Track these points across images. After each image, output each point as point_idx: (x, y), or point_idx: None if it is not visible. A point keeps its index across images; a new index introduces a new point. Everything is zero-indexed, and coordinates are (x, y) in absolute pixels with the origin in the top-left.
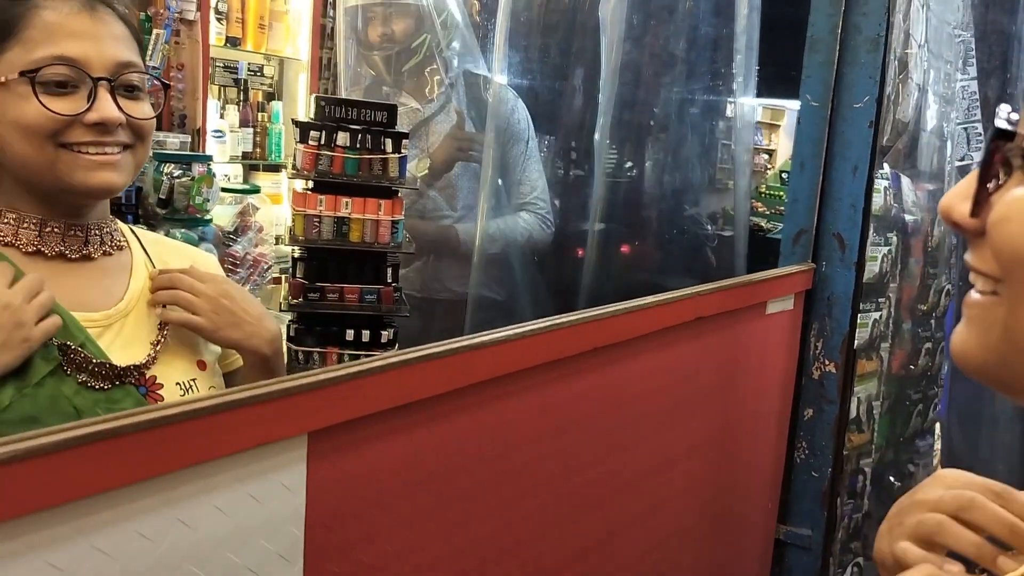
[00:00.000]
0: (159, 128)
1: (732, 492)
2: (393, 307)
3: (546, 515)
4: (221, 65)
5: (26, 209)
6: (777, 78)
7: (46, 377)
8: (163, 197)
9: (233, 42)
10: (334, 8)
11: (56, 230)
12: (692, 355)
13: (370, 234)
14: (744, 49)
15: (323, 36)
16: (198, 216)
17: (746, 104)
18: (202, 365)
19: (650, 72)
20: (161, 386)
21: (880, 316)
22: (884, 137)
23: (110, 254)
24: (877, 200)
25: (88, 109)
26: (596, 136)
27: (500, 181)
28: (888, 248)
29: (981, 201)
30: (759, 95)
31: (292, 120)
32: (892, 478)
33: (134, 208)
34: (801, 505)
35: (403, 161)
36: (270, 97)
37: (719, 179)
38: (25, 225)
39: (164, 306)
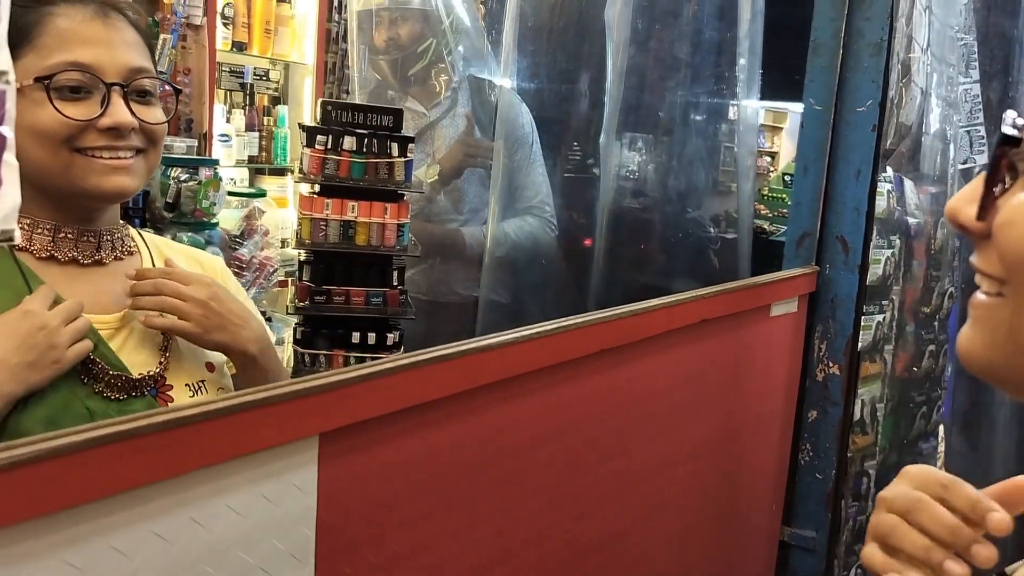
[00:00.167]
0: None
1: (736, 494)
2: (399, 310)
3: (552, 515)
4: (227, 69)
5: (39, 215)
6: (780, 81)
7: (62, 382)
8: (170, 201)
9: (239, 47)
10: (339, 12)
11: (69, 235)
12: (697, 357)
13: (376, 237)
14: (748, 53)
15: (328, 40)
16: (205, 220)
17: (749, 107)
18: (210, 367)
19: (655, 75)
20: (171, 387)
21: (883, 318)
22: (887, 140)
23: (121, 258)
24: (880, 203)
25: (102, 114)
26: (602, 139)
27: (508, 185)
28: (891, 251)
29: (987, 205)
30: (762, 98)
31: (299, 124)
32: None
33: (141, 212)
34: (805, 507)
35: (409, 165)
36: (276, 101)
37: (722, 182)
38: (39, 230)
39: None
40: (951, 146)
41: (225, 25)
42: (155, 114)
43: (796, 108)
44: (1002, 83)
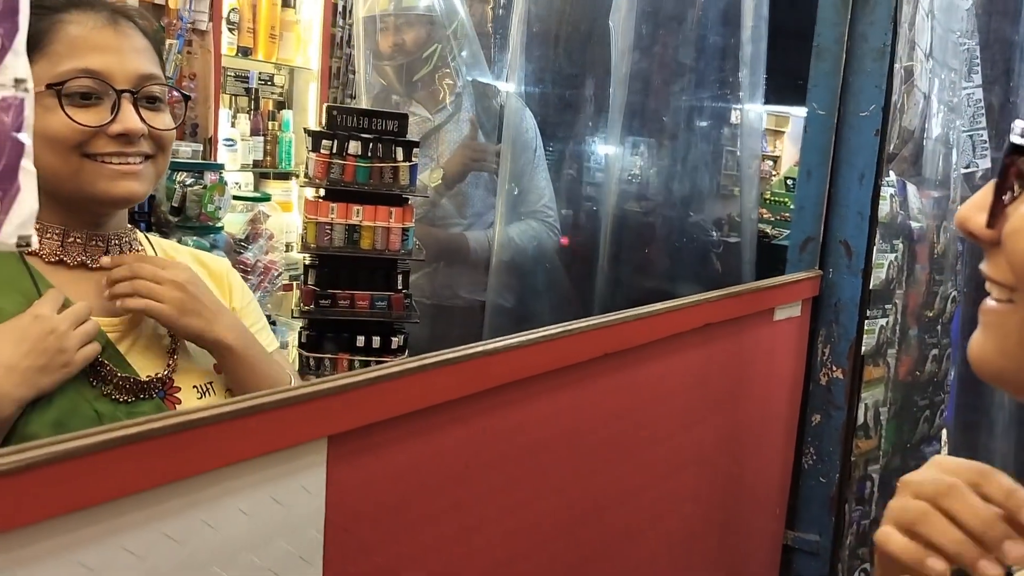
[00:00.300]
0: None
1: (740, 497)
2: (403, 314)
3: (558, 518)
4: (232, 74)
5: (49, 219)
6: (782, 85)
7: (70, 385)
8: (176, 205)
9: (244, 52)
10: (344, 18)
11: (78, 240)
12: (701, 361)
13: (381, 241)
14: (751, 58)
15: (333, 45)
16: (210, 224)
17: (753, 111)
18: (218, 368)
19: (659, 80)
20: (178, 389)
21: (887, 322)
22: (890, 145)
23: None
24: (883, 207)
25: (112, 121)
26: (606, 144)
27: (510, 190)
28: (894, 255)
29: (997, 213)
30: (765, 102)
31: (304, 129)
32: None
33: (147, 216)
34: (809, 511)
35: (414, 169)
36: (280, 106)
37: (725, 186)
38: (48, 235)
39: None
40: (954, 150)
41: (230, 30)
42: (164, 120)
43: (798, 112)
44: (1004, 87)
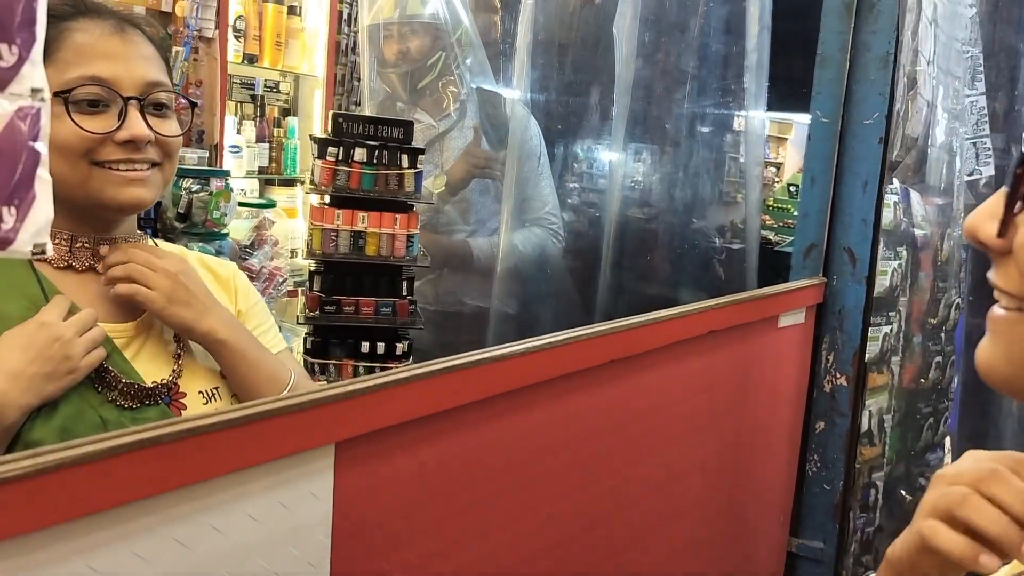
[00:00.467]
0: None
1: (745, 504)
2: (408, 320)
3: (563, 524)
4: (238, 81)
5: (58, 225)
6: (785, 92)
7: (75, 391)
8: (182, 211)
9: (250, 59)
10: (349, 25)
11: (86, 245)
12: (705, 368)
13: (386, 248)
14: (755, 65)
15: (338, 53)
16: (215, 230)
17: (756, 118)
18: (224, 373)
19: (663, 88)
20: (184, 395)
21: (891, 330)
22: (893, 152)
23: None
24: (887, 215)
25: (119, 128)
26: (610, 150)
27: (514, 197)
28: (898, 262)
29: (1007, 222)
30: (768, 109)
31: (310, 136)
32: (903, 492)
33: (153, 222)
34: (813, 518)
35: (419, 176)
36: (286, 113)
37: (727, 192)
38: (56, 241)
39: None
40: (957, 158)
41: (237, 38)
42: (171, 127)
43: (801, 119)
44: (1008, 95)
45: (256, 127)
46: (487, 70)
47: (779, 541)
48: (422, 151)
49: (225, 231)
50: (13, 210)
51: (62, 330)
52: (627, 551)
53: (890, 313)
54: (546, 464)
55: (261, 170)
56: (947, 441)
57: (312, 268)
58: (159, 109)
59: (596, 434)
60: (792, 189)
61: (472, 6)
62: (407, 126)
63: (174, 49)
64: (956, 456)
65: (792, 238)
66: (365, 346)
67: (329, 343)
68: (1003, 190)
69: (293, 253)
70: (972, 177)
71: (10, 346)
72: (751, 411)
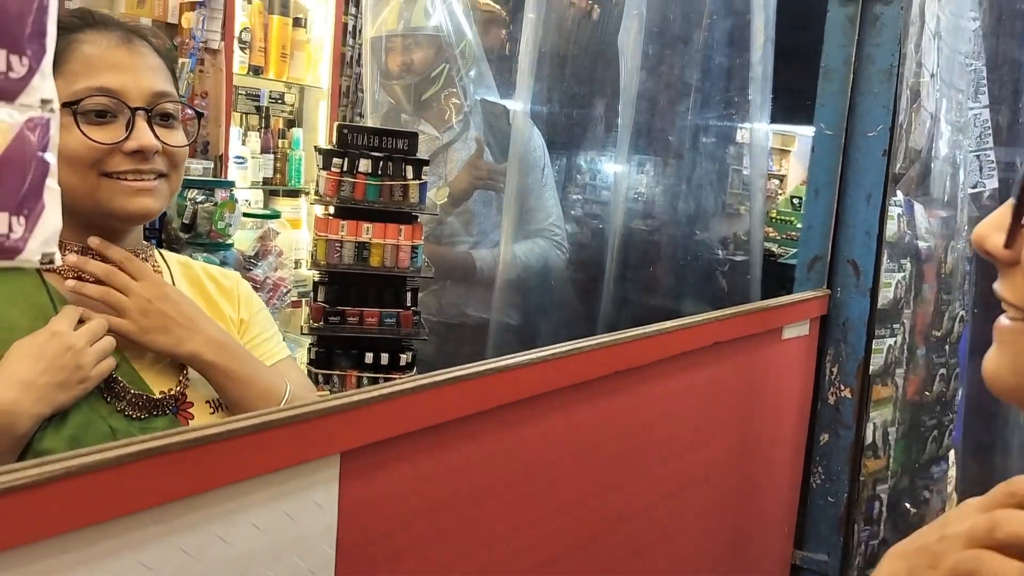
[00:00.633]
0: None
1: (749, 516)
2: (412, 331)
3: (568, 536)
4: (243, 93)
5: (67, 236)
6: (788, 104)
7: (84, 401)
8: (186, 222)
9: (256, 70)
10: (354, 37)
11: (95, 256)
12: (709, 379)
13: (390, 259)
14: (759, 77)
15: (343, 64)
16: (220, 241)
17: (760, 130)
18: None
19: (667, 100)
20: (191, 405)
21: (895, 342)
22: (897, 165)
23: None
24: (891, 227)
25: (127, 138)
26: (614, 162)
27: (517, 208)
28: (902, 274)
29: (1015, 234)
30: (772, 121)
31: (315, 147)
32: (908, 504)
33: (158, 232)
34: (817, 530)
35: (423, 187)
36: (290, 124)
37: (731, 204)
38: (65, 252)
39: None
40: (960, 170)
41: (242, 49)
42: (178, 137)
43: (804, 131)
44: (1012, 108)
45: (261, 138)
46: (490, 82)
47: (783, 553)
48: (427, 162)
49: (230, 242)
50: (22, 220)
51: (74, 339)
52: (631, 562)
53: (894, 325)
54: (550, 475)
55: (266, 181)
56: (951, 454)
57: (316, 279)
58: (166, 119)
59: (600, 446)
60: (795, 201)
61: (478, 19)
62: (412, 137)
63: (180, 60)
64: (960, 468)
65: (795, 250)
66: (369, 357)
67: (333, 354)
68: (1011, 201)
69: (297, 264)
70: (976, 190)
71: (22, 356)
72: (755, 423)
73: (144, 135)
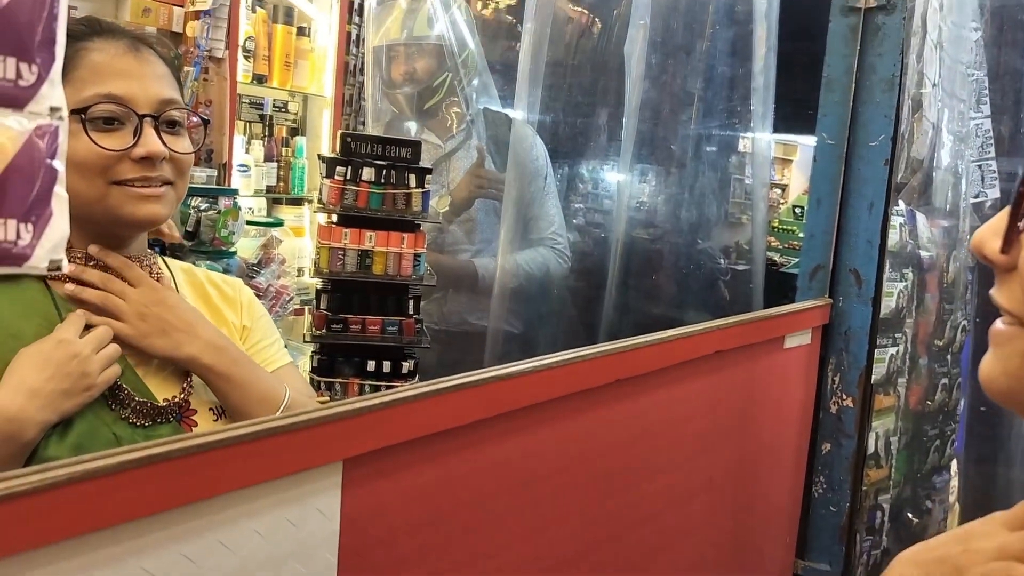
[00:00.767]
0: None
1: (751, 525)
2: (414, 339)
3: (569, 544)
4: (247, 101)
5: (73, 243)
6: (790, 114)
7: (89, 409)
8: (190, 230)
9: (259, 79)
10: (357, 46)
11: (96, 264)
12: (711, 388)
13: (393, 267)
14: (761, 87)
15: (347, 73)
16: (223, 248)
17: (763, 140)
18: None
19: (669, 109)
20: (195, 412)
21: (897, 351)
22: (899, 174)
23: None
24: (893, 236)
25: (135, 145)
26: (617, 171)
27: (519, 217)
28: (904, 284)
29: (1011, 239)
30: (774, 130)
31: (319, 155)
32: (910, 514)
33: (161, 240)
34: (819, 540)
35: (426, 196)
36: (294, 132)
37: (733, 213)
38: (71, 258)
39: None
40: (963, 180)
41: (246, 58)
42: (184, 144)
43: (806, 141)
44: (1013, 118)
45: (264, 146)
46: (492, 91)
47: (785, 563)
48: (429, 171)
49: (233, 249)
50: (30, 226)
51: (79, 347)
52: (632, 571)
53: (896, 335)
54: (552, 483)
55: (269, 189)
56: (954, 464)
57: (319, 287)
58: (172, 127)
59: (602, 454)
60: (797, 210)
61: (485, 30)
62: (415, 146)
63: (185, 69)
64: (962, 478)
65: (797, 260)
66: (371, 365)
67: (335, 361)
68: (1008, 207)
69: (300, 272)
70: (978, 199)
71: (28, 363)
72: (757, 432)
73: (152, 142)
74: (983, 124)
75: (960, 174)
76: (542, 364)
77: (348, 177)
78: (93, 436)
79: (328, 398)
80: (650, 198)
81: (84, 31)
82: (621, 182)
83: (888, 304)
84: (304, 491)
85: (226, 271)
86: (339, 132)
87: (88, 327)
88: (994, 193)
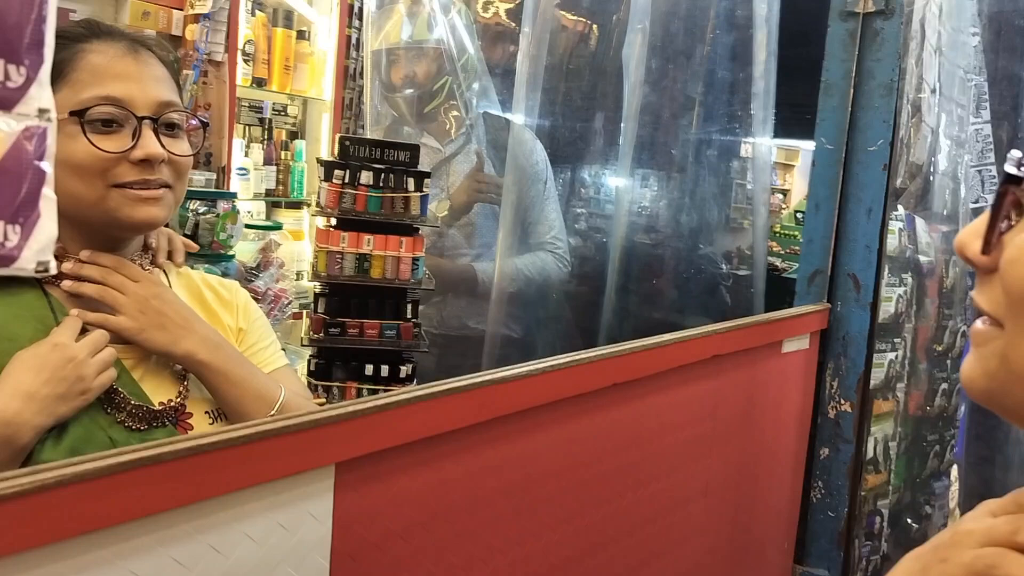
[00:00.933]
0: None
1: (749, 531)
2: (413, 343)
3: (565, 549)
4: (247, 104)
5: (69, 245)
6: (792, 119)
7: (84, 412)
8: (188, 233)
9: (259, 82)
10: (357, 50)
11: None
12: (709, 392)
13: (391, 271)
14: (762, 92)
15: (346, 77)
16: (222, 252)
17: (763, 145)
18: None
19: (670, 114)
20: (190, 415)
21: (896, 356)
22: (898, 179)
23: None
24: (892, 241)
25: (133, 147)
26: (616, 176)
27: (518, 221)
28: (903, 289)
29: (991, 240)
30: (775, 135)
31: (317, 159)
32: (909, 520)
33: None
34: (817, 545)
35: (425, 200)
36: (293, 136)
37: (734, 218)
38: (68, 261)
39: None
40: (962, 185)
41: (246, 62)
42: (182, 147)
43: (808, 146)
44: (1012, 124)
45: (264, 150)
46: (492, 95)
47: (783, 568)
48: (428, 174)
49: (231, 253)
50: (18, 228)
51: (75, 351)
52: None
53: (895, 340)
54: (548, 487)
55: (268, 192)
56: (953, 469)
57: (317, 290)
58: (171, 129)
59: (599, 458)
60: (799, 216)
61: (485, 34)
62: (413, 150)
63: (184, 72)
64: (962, 483)
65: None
66: (369, 369)
67: (333, 365)
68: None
69: (298, 275)
70: (977, 205)
71: (24, 367)
72: (755, 437)
73: (150, 144)
74: (983, 129)
75: (959, 179)
76: (538, 368)
77: (346, 181)
78: (88, 440)
79: (325, 401)
80: (651, 203)
81: (83, 33)
82: (621, 187)
83: (887, 309)
84: (296, 495)
85: (224, 274)
86: (338, 136)
87: (84, 330)
88: (993, 198)
